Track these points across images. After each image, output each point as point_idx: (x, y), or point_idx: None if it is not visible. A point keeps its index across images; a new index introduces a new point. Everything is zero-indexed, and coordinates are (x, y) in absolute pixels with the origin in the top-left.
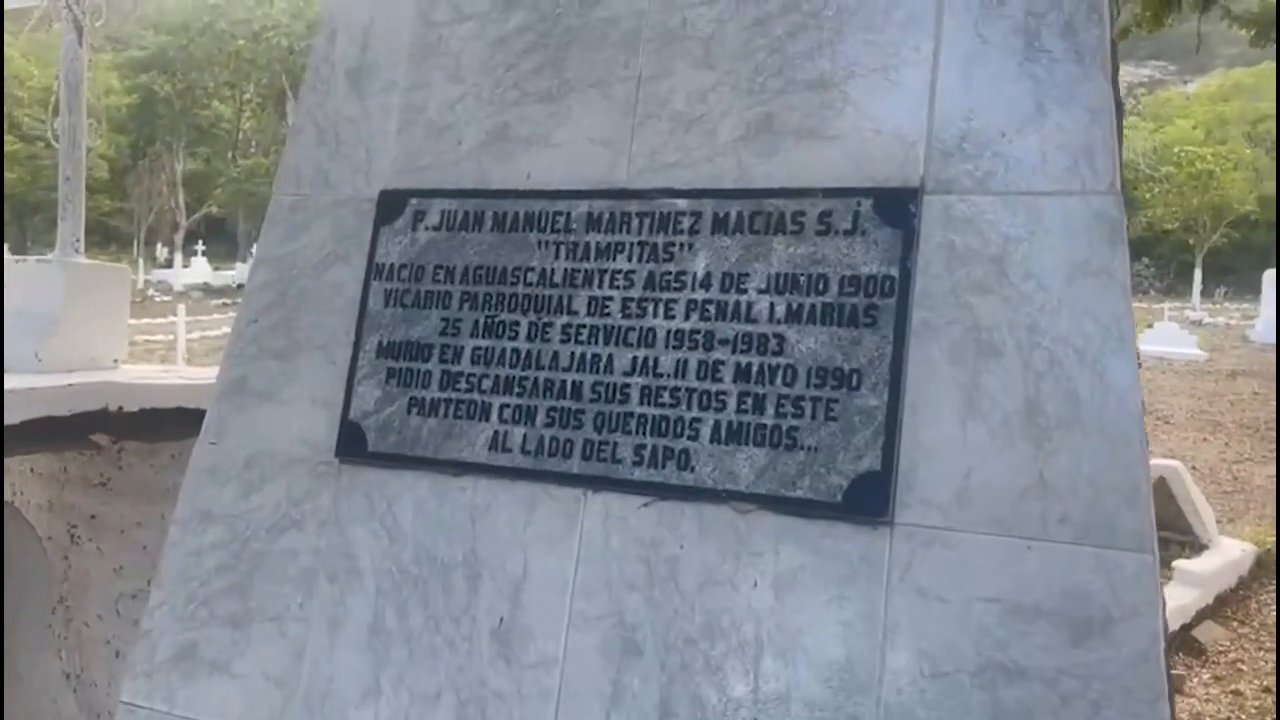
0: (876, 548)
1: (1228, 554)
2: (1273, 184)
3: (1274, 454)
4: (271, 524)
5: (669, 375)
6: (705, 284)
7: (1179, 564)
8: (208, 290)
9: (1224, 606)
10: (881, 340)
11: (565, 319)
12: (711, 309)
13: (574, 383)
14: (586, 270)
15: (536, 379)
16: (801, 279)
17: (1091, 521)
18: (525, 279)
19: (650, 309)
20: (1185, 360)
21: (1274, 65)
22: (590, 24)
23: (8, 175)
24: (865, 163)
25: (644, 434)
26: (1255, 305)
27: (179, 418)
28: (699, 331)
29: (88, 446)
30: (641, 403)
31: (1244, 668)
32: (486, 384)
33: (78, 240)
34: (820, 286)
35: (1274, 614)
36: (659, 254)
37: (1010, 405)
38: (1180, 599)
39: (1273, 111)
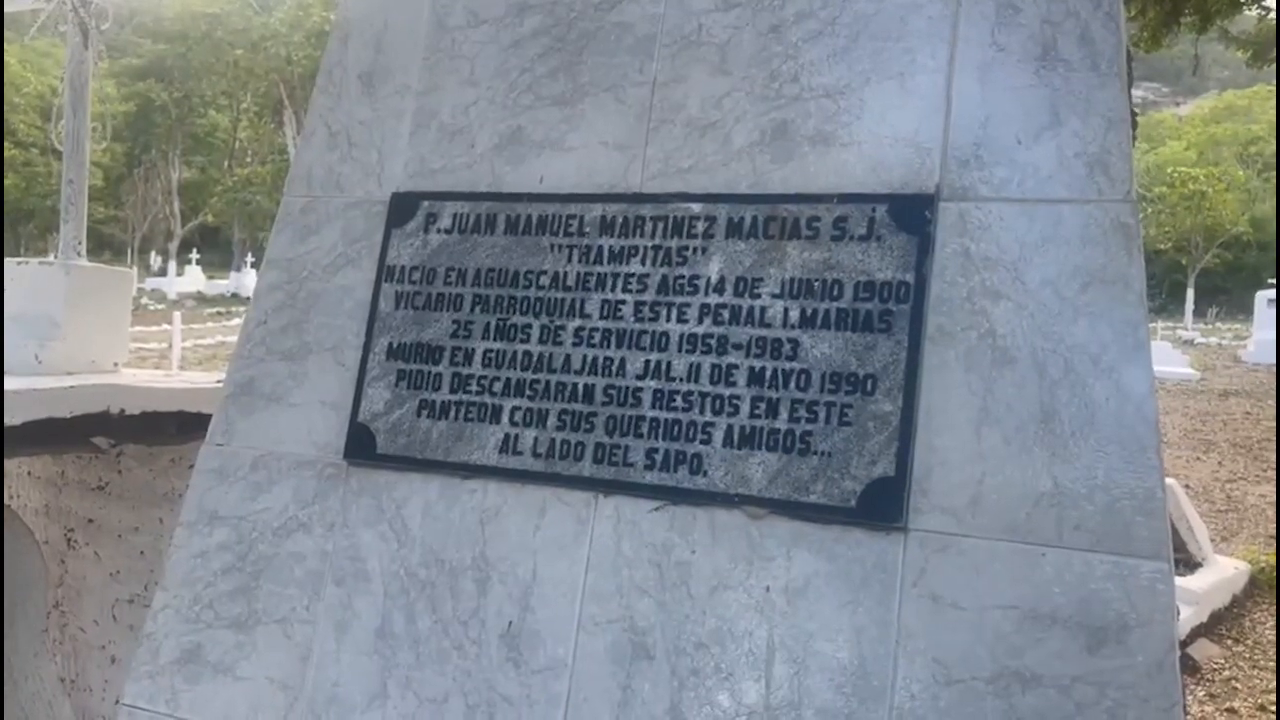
0: (890, 554)
1: (1222, 572)
2: (1264, 206)
3: (1265, 474)
4: (278, 526)
5: (682, 379)
6: (719, 288)
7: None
8: (201, 299)
9: (1218, 624)
10: (896, 346)
11: (578, 322)
12: (725, 313)
13: (586, 386)
14: (599, 274)
15: (548, 382)
16: (816, 284)
17: (1106, 528)
18: (538, 282)
19: (663, 313)
20: (1178, 380)
21: (1266, 87)
22: (605, 29)
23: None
24: (881, 169)
25: (656, 438)
26: (1247, 325)
27: (180, 421)
28: (712, 335)
29: (87, 449)
30: (654, 406)
31: (1239, 686)
32: (498, 386)
33: (80, 243)
34: (835, 292)
35: (1268, 632)
36: (672, 258)
37: (1025, 411)
38: None
39: (1264, 133)
